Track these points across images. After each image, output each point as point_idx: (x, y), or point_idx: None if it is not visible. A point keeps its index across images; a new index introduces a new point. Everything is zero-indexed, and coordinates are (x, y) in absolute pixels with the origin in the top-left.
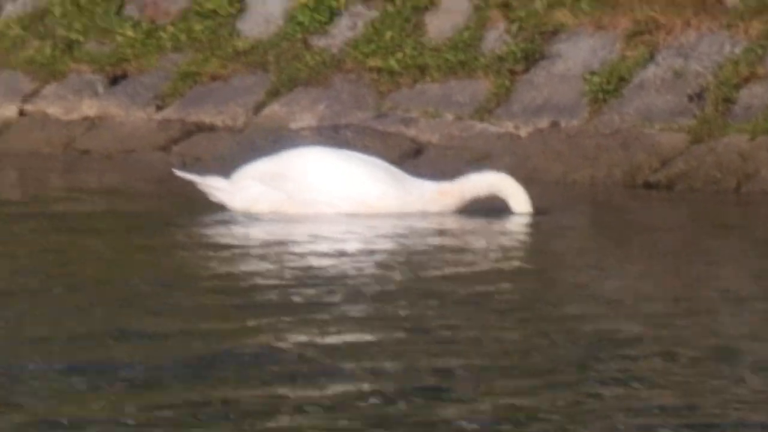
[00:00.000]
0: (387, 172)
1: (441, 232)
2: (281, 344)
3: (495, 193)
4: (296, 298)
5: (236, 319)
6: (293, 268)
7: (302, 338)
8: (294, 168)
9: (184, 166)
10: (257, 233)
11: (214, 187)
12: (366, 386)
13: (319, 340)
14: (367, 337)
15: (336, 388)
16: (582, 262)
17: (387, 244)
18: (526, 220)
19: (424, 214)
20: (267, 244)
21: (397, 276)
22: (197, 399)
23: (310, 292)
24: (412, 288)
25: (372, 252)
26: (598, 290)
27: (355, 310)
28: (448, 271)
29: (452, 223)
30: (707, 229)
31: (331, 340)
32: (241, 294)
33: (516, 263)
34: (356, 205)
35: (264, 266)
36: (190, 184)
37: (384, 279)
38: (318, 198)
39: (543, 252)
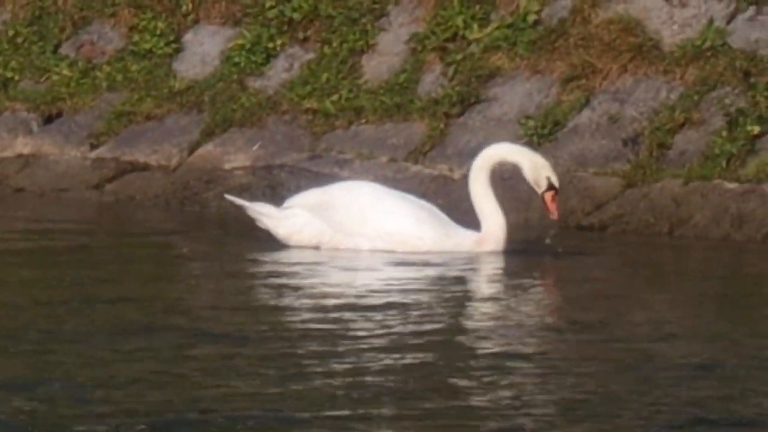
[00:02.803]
0: (430, 215)
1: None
2: None
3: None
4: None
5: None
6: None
7: None
8: (342, 200)
9: (117, 204)
10: (212, 270)
11: (262, 213)
12: None
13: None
14: None
15: None
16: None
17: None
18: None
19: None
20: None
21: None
22: None
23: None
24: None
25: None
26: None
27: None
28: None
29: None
30: (640, 271)
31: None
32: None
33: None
34: (394, 243)
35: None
36: (124, 222)
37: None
38: (358, 230)
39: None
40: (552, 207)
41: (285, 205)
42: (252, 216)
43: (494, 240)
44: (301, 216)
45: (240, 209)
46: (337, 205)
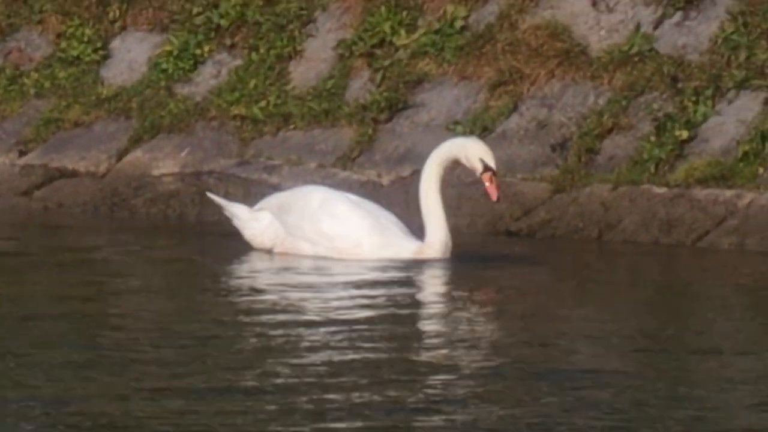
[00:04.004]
0: (377, 222)
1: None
2: None
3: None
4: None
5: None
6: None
7: None
8: (295, 203)
9: (45, 211)
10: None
11: (234, 214)
12: None
13: None
14: None
15: None
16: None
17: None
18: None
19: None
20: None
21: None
22: None
23: None
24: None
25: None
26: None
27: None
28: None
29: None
30: (568, 275)
31: None
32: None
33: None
34: (333, 249)
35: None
36: (53, 229)
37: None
38: (302, 234)
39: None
40: (489, 189)
41: (256, 207)
42: (228, 216)
43: (436, 249)
44: (265, 219)
45: (174, 215)
46: (291, 208)
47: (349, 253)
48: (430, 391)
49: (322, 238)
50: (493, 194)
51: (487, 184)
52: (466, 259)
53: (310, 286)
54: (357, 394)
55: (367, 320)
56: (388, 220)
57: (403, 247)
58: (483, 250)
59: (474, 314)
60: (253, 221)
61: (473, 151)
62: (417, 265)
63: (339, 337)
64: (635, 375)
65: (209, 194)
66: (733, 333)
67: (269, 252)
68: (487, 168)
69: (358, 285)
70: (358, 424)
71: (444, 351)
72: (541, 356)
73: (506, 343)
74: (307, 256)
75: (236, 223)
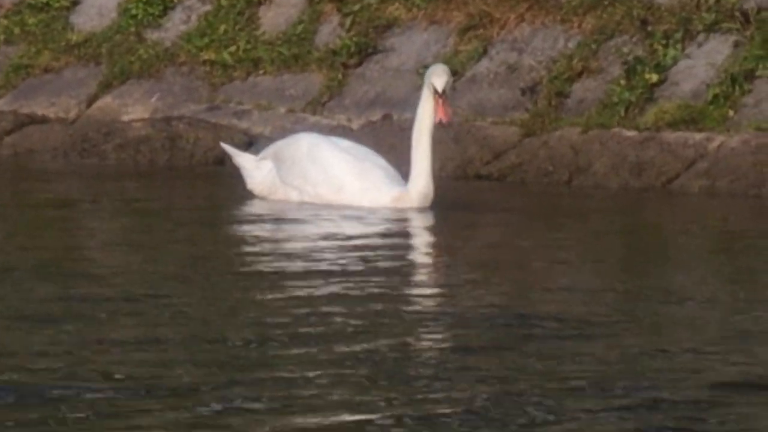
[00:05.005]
0: (360, 169)
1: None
2: None
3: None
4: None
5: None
6: None
7: None
8: (285, 150)
9: (15, 157)
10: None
11: (240, 164)
12: None
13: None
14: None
15: None
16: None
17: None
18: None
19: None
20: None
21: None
22: None
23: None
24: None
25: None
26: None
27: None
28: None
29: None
30: (540, 218)
31: None
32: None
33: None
34: (315, 195)
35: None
36: (20, 175)
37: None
38: (289, 181)
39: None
40: (438, 110)
41: (259, 156)
42: (236, 165)
43: (413, 199)
44: (265, 168)
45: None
46: (284, 156)
47: (331, 199)
48: (407, 342)
49: (307, 185)
50: (437, 115)
51: (435, 106)
52: (439, 206)
53: (270, 237)
54: (331, 346)
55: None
56: (375, 165)
57: (382, 193)
58: (455, 195)
59: (446, 265)
60: (255, 170)
61: (427, 77)
62: (394, 212)
63: (297, 293)
64: (611, 323)
65: (222, 144)
66: (703, 279)
67: (264, 200)
68: (435, 91)
69: (324, 236)
70: (336, 375)
71: (416, 306)
72: (515, 305)
73: (479, 294)
74: (294, 203)
75: (242, 172)
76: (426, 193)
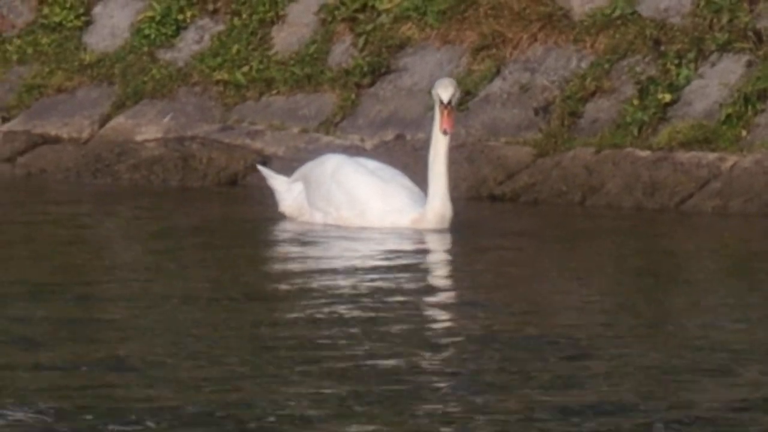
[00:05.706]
0: (382, 191)
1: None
2: None
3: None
4: None
5: None
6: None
7: None
8: (312, 172)
9: (28, 177)
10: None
11: (274, 186)
12: None
13: None
14: None
15: None
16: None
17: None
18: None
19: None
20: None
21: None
22: None
23: None
24: None
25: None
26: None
27: None
28: None
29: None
30: (554, 239)
31: None
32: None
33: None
34: (337, 219)
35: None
36: (34, 195)
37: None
38: (314, 204)
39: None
40: (443, 120)
41: (291, 178)
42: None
43: (429, 220)
44: (296, 190)
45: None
46: (310, 178)
47: (353, 221)
48: (420, 361)
49: (331, 207)
50: (442, 125)
51: (440, 117)
52: (455, 226)
53: (289, 256)
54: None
55: (354, 288)
56: (399, 186)
57: (403, 215)
58: (469, 216)
59: (461, 286)
60: (287, 192)
61: (434, 90)
62: (413, 234)
63: (309, 312)
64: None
65: (258, 166)
66: (719, 298)
67: (292, 221)
68: (441, 102)
69: (337, 257)
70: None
71: (432, 325)
72: (530, 325)
73: (496, 313)
74: (319, 225)
75: (275, 195)
76: (443, 214)
